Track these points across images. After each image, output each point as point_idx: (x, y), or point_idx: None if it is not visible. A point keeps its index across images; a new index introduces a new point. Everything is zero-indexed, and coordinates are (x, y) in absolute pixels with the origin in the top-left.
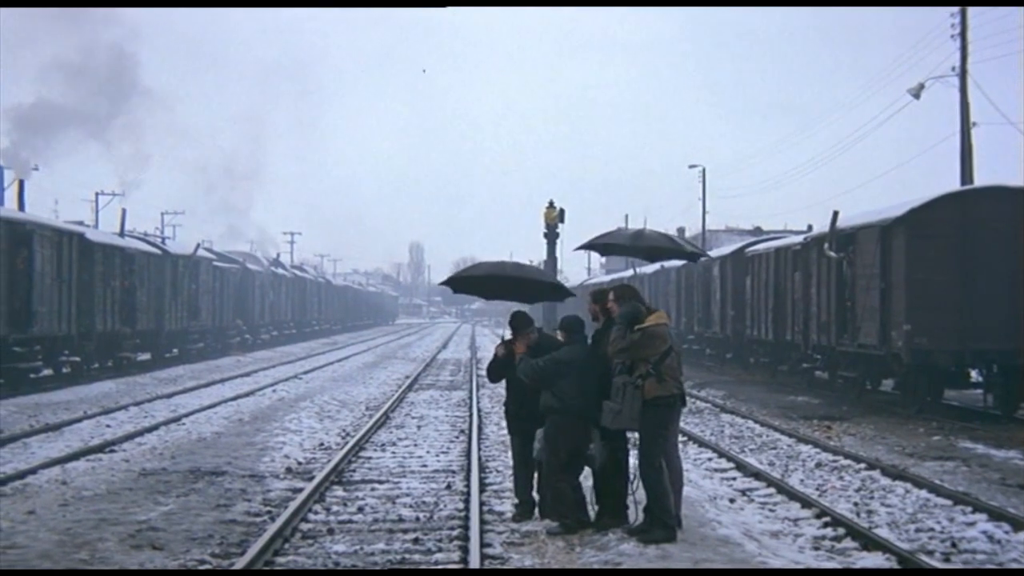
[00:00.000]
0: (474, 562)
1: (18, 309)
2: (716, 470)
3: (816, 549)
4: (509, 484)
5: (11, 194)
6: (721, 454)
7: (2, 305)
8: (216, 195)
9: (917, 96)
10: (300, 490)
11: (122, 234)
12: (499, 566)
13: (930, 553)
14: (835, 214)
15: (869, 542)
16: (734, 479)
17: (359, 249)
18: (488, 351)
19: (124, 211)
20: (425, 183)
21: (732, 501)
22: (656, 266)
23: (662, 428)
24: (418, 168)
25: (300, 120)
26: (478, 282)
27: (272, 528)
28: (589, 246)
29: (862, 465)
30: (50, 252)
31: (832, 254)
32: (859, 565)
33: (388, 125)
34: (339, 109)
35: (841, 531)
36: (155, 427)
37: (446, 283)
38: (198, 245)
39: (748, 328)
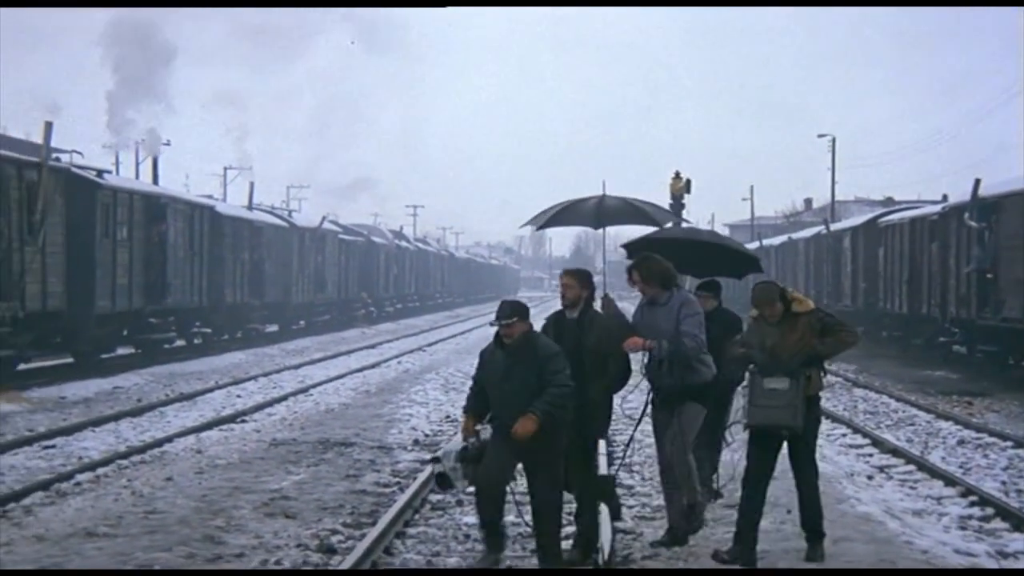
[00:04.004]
0: (604, 536)
1: (153, 281)
2: (851, 446)
3: (963, 529)
4: (637, 458)
5: (146, 168)
6: (856, 430)
7: (139, 277)
8: (340, 168)
9: None
10: (429, 462)
11: (250, 207)
12: (631, 540)
13: None
14: (977, 182)
15: (1021, 522)
16: (871, 456)
17: (482, 221)
18: None
19: (252, 184)
20: (547, 155)
21: (870, 478)
22: (783, 237)
23: (818, 428)
24: (540, 140)
25: (425, 92)
26: (658, 247)
27: (402, 499)
28: (544, 223)
29: (1009, 443)
30: (183, 225)
31: (973, 224)
32: (1011, 547)
33: (513, 96)
34: (465, 82)
35: (989, 511)
36: (284, 398)
37: (626, 246)
38: (324, 218)
39: (881, 301)
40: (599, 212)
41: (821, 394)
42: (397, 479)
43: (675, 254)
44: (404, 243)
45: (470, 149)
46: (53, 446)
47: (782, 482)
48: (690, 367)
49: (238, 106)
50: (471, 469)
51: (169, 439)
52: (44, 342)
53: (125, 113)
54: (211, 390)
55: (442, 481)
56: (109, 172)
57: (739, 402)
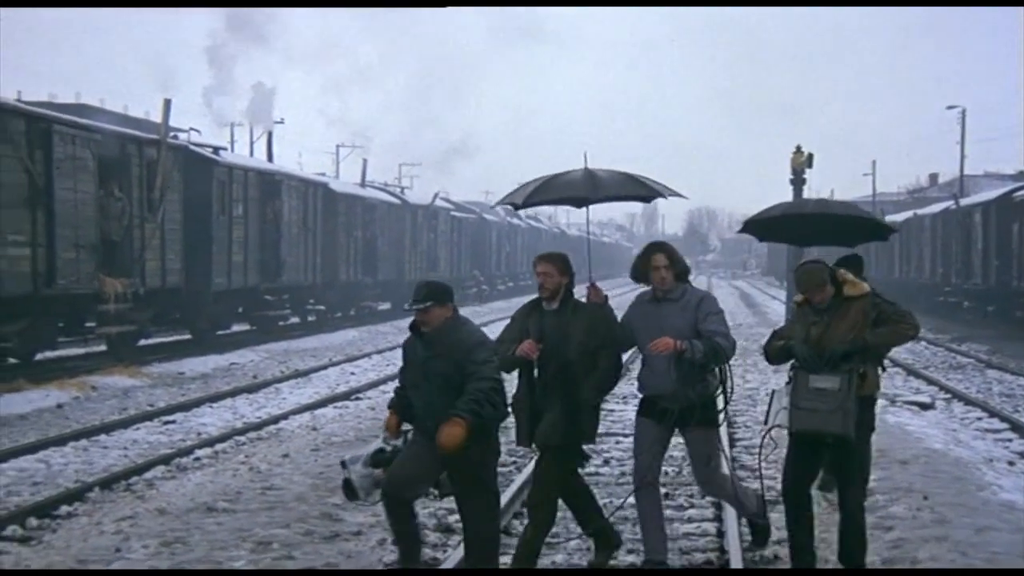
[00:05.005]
0: (730, 517)
1: (268, 259)
2: (988, 430)
3: None
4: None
5: (260, 146)
6: (992, 413)
7: (254, 255)
8: (447, 139)
9: None
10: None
11: (363, 184)
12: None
13: None
14: None
15: None
16: (1010, 440)
17: None
18: (723, 303)
19: (365, 161)
20: (659, 132)
21: (1011, 464)
22: (908, 213)
23: (870, 437)
24: (651, 117)
25: (535, 66)
26: (776, 225)
27: (520, 478)
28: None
29: None
30: (297, 203)
31: None
32: None
33: (624, 71)
34: (577, 53)
35: None
36: (397, 375)
37: (744, 230)
38: (436, 195)
39: (1015, 279)
40: (594, 183)
41: (877, 396)
42: (514, 458)
43: (804, 229)
44: (516, 220)
45: (581, 128)
46: (173, 421)
47: (914, 466)
48: (703, 377)
49: (349, 67)
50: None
51: (285, 416)
52: (163, 318)
53: (233, 68)
54: (325, 367)
55: (349, 490)
56: (225, 149)
57: (779, 403)
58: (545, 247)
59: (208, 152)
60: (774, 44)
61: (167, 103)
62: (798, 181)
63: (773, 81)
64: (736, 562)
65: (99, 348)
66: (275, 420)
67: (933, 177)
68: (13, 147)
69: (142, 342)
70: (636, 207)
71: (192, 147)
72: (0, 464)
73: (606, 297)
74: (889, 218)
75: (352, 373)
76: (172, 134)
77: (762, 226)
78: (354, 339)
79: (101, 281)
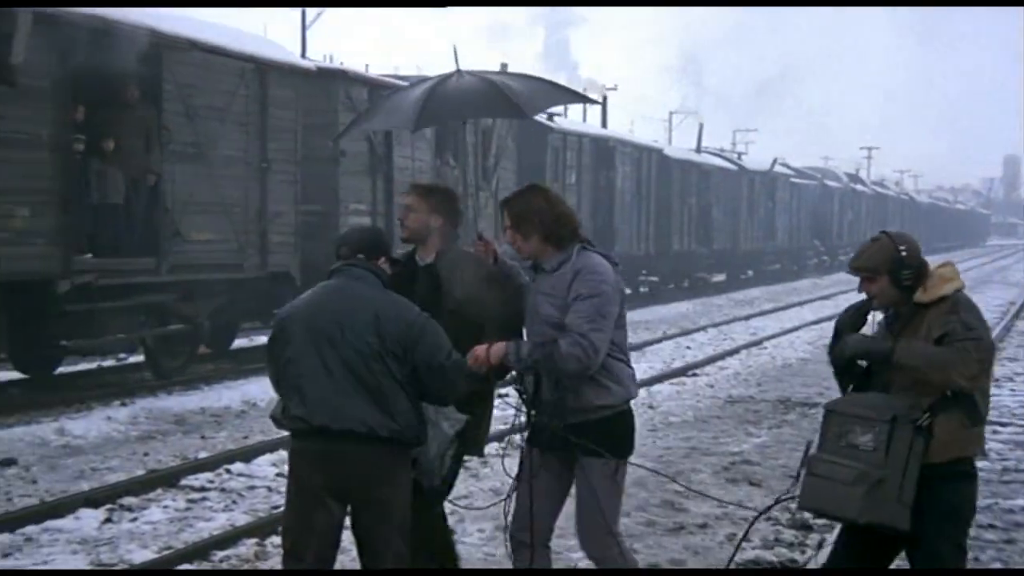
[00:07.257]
0: None
1: (601, 227)
2: None
3: None
4: None
5: (595, 113)
6: None
7: (586, 223)
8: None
9: None
10: None
11: (698, 150)
12: None
13: None
14: None
15: None
16: None
17: (944, 163)
18: None
19: (701, 126)
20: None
21: None
22: None
23: (966, 531)
24: (1015, 72)
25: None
26: None
27: None
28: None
29: None
30: (630, 169)
31: None
32: None
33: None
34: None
35: None
36: (735, 351)
37: None
38: (775, 161)
39: None
40: (427, 104)
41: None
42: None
43: None
44: (860, 187)
45: (933, 86)
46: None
47: None
48: (578, 392)
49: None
50: None
51: None
52: None
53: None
54: (659, 340)
55: None
56: (559, 115)
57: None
58: (892, 215)
59: (543, 118)
60: None
61: (503, 68)
62: None
63: None
64: None
65: None
66: None
67: None
68: (356, 115)
69: None
70: (995, 172)
71: None
72: None
73: (495, 253)
74: None
75: (688, 347)
76: None
77: None
78: (688, 312)
79: None
